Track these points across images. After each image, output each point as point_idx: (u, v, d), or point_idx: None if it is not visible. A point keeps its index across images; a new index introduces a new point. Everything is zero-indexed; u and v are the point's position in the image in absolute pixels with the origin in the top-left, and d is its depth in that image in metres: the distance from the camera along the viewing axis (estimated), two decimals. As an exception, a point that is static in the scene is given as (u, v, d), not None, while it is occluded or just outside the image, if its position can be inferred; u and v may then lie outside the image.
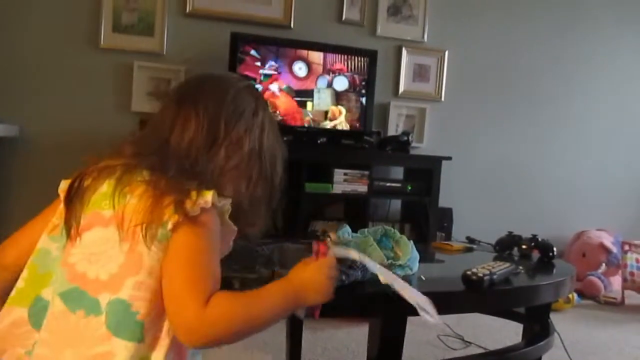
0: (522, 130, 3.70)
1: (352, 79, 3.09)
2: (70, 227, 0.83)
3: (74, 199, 0.85)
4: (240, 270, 1.12)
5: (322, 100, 3.05)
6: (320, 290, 0.85)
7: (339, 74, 3.06)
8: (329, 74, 3.05)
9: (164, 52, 3.01)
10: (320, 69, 3.03)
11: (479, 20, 3.57)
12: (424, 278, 1.29)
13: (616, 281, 3.38)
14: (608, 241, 3.42)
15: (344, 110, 3.07)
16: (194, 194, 0.81)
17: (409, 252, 1.32)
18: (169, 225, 0.79)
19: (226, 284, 0.82)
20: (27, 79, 2.86)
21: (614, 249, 3.40)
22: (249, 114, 0.95)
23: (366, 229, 1.41)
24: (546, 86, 3.73)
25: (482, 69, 3.60)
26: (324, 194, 2.95)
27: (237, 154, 0.92)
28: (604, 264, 3.40)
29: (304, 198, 2.88)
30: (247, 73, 2.86)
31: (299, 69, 2.99)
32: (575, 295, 3.07)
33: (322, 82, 3.04)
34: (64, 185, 0.88)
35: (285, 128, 2.89)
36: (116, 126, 2.91)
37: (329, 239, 0.92)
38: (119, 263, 0.78)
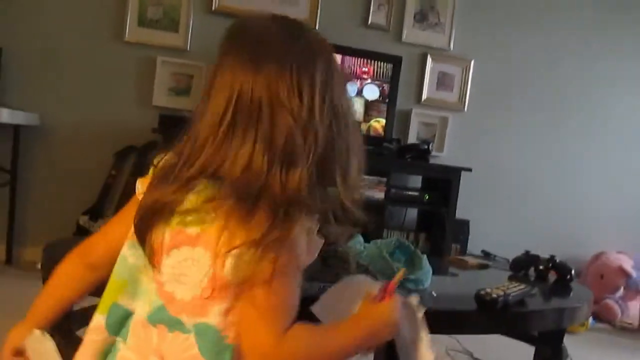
0: (544, 146, 3.63)
1: (382, 88, 3.04)
2: (148, 238, 0.79)
3: (156, 210, 0.79)
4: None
5: (352, 110, 3.03)
6: (390, 332, 0.84)
7: (369, 82, 3.02)
8: (358, 80, 3.01)
9: (188, 48, 3.01)
10: (339, 73, 3.00)
11: (506, 31, 3.51)
12: (435, 294, 1.26)
13: (634, 306, 3.28)
14: (628, 265, 3.34)
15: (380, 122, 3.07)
16: (286, 224, 0.74)
17: (421, 266, 1.28)
18: (258, 254, 0.73)
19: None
20: (49, 68, 2.88)
21: (634, 274, 3.31)
22: (331, 88, 0.83)
23: (379, 240, 1.38)
24: (571, 102, 3.65)
25: (507, 81, 3.54)
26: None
27: (331, 144, 0.81)
28: (622, 288, 3.32)
29: (319, 202, 2.85)
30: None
31: None
32: (590, 318, 2.99)
33: (351, 89, 3.01)
34: (141, 187, 0.83)
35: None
36: (136, 119, 2.93)
37: (397, 277, 0.90)
38: (202, 286, 0.76)
